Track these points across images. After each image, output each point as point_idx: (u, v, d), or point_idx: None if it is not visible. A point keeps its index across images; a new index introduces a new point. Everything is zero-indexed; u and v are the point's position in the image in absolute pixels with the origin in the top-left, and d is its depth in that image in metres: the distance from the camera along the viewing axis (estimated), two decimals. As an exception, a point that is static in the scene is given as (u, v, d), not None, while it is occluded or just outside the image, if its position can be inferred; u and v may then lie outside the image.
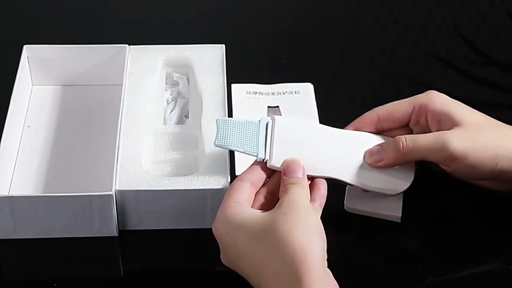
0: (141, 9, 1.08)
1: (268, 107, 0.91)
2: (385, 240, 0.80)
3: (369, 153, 0.77)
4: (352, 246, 0.78)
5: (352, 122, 0.80)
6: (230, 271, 0.77)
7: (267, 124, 0.76)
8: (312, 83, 0.92)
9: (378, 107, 0.80)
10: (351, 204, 0.80)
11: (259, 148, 0.75)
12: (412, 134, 0.79)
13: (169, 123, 0.86)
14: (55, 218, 0.77)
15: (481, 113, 0.78)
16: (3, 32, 1.04)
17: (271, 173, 0.75)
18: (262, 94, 0.92)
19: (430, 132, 0.77)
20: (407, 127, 0.80)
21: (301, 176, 0.73)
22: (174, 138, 0.84)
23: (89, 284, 0.76)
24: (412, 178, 0.77)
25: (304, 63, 1.00)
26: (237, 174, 0.82)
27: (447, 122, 0.76)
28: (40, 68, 0.90)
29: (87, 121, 0.88)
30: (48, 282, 0.76)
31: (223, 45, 0.91)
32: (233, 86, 0.93)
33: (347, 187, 0.80)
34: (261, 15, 1.08)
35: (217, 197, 0.77)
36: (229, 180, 0.77)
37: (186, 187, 0.77)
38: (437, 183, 0.82)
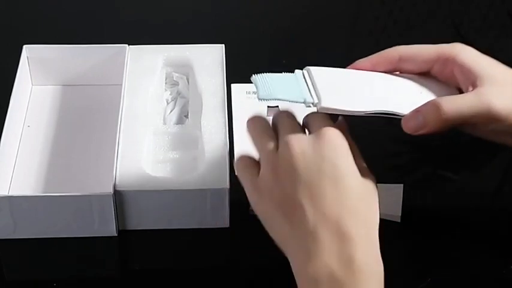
0: (141, 9, 1.08)
1: (268, 106, 0.91)
2: (385, 240, 0.80)
3: (406, 120, 0.69)
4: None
5: (370, 56, 0.75)
6: (230, 271, 0.77)
7: (303, 74, 0.72)
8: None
9: (400, 46, 0.74)
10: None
11: (304, 94, 0.69)
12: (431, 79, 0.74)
13: (169, 123, 0.86)
14: (55, 218, 0.77)
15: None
16: (3, 32, 1.04)
17: None
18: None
19: (456, 82, 0.72)
20: (427, 73, 0.74)
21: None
22: (174, 138, 0.84)
23: (89, 284, 0.76)
24: None
25: (304, 63, 0.99)
26: (237, 174, 0.82)
27: (478, 78, 0.70)
28: (40, 68, 0.90)
29: (87, 121, 0.88)
30: (48, 282, 0.76)
31: (223, 45, 0.91)
32: (233, 86, 0.93)
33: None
34: (261, 15, 1.08)
35: (217, 197, 0.77)
36: (229, 180, 0.77)
37: (186, 187, 0.77)
38: (437, 183, 0.82)
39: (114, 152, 0.79)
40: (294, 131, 0.67)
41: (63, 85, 0.92)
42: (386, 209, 0.79)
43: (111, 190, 0.76)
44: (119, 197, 0.77)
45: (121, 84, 0.86)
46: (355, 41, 1.06)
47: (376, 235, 0.64)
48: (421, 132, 0.68)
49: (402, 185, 0.81)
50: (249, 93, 0.92)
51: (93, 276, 0.77)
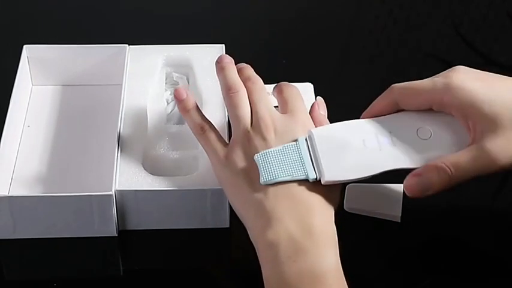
0: (141, 9, 1.08)
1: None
2: (385, 240, 0.80)
3: (408, 186, 0.71)
4: (352, 246, 0.78)
5: (369, 109, 0.76)
6: (230, 271, 0.77)
7: (306, 141, 0.72)
8: (312, 83, 0.92)
9: (396, 89, 0.75)
10: (351, 204, 0.80)
11: (307, 168, 0.71)
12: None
13: (169, 123, 0.86)
14: (55, 218, 0.77)
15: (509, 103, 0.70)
16: (3, 32, 1.04)
17: None
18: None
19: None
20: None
21: None
22: (174, 138, 0.84)
23: (89, 284, 0.76)
24: None
25: (304, 63, 1.00)
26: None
27: (477, 124, 0.69)
28: (40, 68, 0.90)
29: (87, 121, 0.88)
30: (48, 282, 0.76)
31: (223, 45, 0.91)
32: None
33: (347, 187, 0.80)
34: (261, 15, 1.08)
35: (217, 197, 0.77)
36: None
37: (186, 187, 0.77)
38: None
39: (114, 152, 0.79)
40: (268, 108, 0.75)
41: (63, 85, 0.92)
42: (387, 209, 0.79)
43: (111, 190, 0.76)
44: (119, 197, 0.77)
45: (121, 84, 0.86)
46: (355, 40, 1.06)
47: (332, 204, 0.70)
48: (427, 195, 0.70)
49: (402, 185, 0.81)
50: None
51: (93, 276, 0.77)
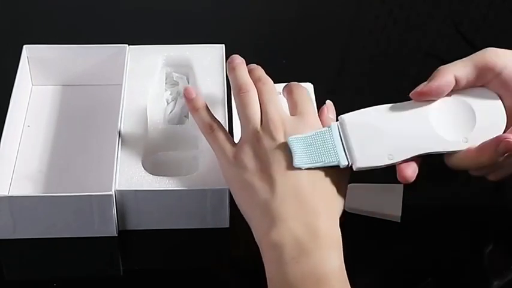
0: (141, 9, 1.08)
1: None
2: (385, 240, 0.80)
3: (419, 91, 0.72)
4: (352, 246, 0.78)
5: (426, 88, 0.73)
6: (230, 271, 0.77)
7: (338, 128, 0.73)
8: (312, 83, 0.92)
9: (452, 68, 0.74)
10: (351, 204, 0.80)
11: (339, 155, 0.71)
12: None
13: (169, 123, 0.86)
14: (55, 218, 0.77)
15: None
16: (3, 32, 1.04)
17: None
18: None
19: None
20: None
21: None
22: (174, 138, 0.84)
23: (89, 284, 0.76)
24: None
25: (304, 63, 1.00)
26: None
27: None
28: (40, 68, 0.90)
29: (87, 121, 0.88)
30: (48, 282, 0.76)
31: (223, 45, 0.91)
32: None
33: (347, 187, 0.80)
34: (261, 15, 1.08)
35: (217, 197, 0.77)
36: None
37: (186, 187, 0.77)
38: (437, 183, 0.82)
39: (114, 152, 0.79)
40: (278, 109, 0.75)
41: (63, 85, 0.92)
42: (386, 209, 0.79)
43: (111, 190, 0.76)
44: (119, 197, 0.77)
45: (121, 84, 0.86)
46: (355, 40, 1.06)
47: (338, 209, 0.71)
48: (429, 91, 0.72)
49: (402, 185, 0.81)
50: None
51: (93, 276, 0.77)
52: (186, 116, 0.87)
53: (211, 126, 0.76)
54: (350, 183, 0.80)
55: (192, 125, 0.85)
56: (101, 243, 0.78)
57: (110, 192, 0.76)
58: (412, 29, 1.06)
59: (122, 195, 0.77)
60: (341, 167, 0.71)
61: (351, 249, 0.77)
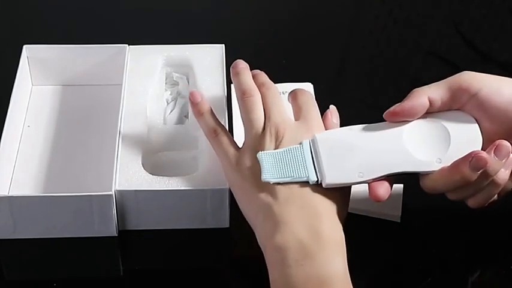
0: (141, 9, 1.08)
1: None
2: (385, 240, 0.80)
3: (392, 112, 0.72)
4: (352, 246, 0.78)
5: (399, 108, 0.72)
6: (230, 271, 0.77)
7: (309, 144, 0.72)
8: (312, 83, 0.92)
9: (426, 89, 0.73)
10: (351, 204, 0.80)
11: (308, 171, 0.71)
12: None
13: (169, 123, 0.86)
14: (55, 218, 0.77)
15: None
16: (3, 32, 1.04)
17: None
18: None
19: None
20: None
21: None
22: (174, 138, 0.84)
23: (89, 284, 0.76)
24: None
25: (304, 63, 1.00)
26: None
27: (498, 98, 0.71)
28: (40, 68, 0.90)
29: (87, 121, 0.88)
30: (48, 282, 0.76)
31: (223, 45, 0.91)
32: (233, 86, 0.92)
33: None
34: (261, 15, 1.08)
35: (217, 197, 0.77)
36: (229, 180, 0.77)
37: (186, 187, 0.77)
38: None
39: (114, 152, 0.79)
40: (281, 114, 0.75)
41: (63, 85, 0.92)
42: (386, 209, 0.79)
43: (111, 190, 0.76)
44: (119, 197, 0.77)
45: (121, 84, 0.86)
46: (355, 40, 1.06)
47: (341, 212, 0.71)
48: (403, 112, 0.72)
49: (402, 185, 0.81)
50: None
51: (93, 276, 0.77)
52: (186, 116, 0.87)
53: (215, 130, 0.76)
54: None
55: (192, 125, 0.85)
56: (101, 243, 0.78)
57: (110, 192, 0.76)
58: (412, 29, 1.06)
59: (122, 195, 0.77)
60: (310, 183, 0.70)
61: (351, 249, 0.77)
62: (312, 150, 0.72)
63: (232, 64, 0.80)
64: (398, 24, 1.07)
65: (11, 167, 0.83)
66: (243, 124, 0.76)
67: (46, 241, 0.78)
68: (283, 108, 0.76)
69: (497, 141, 0.69)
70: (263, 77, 0.79)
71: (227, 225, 0.79)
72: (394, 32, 1.06)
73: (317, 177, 0.70)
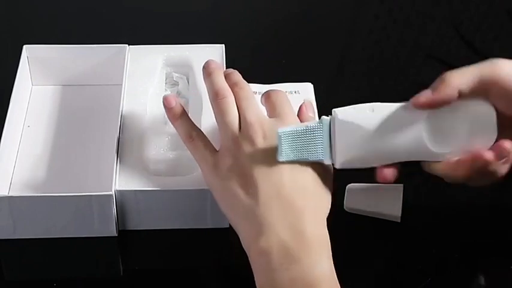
0: (141, 9, 1.08)
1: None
2: (385, 240, 0.80)
3: (415, 99, 0.71)
4: (352, 246, 0.78)
5: (427, 99, 0.71)
6: (230, 271, 0.77)
7: (329, 122, 0.72)
8: (312, 83, 0.92)
9: (457, 80, 0.72)
10: (351, 204, 0.80)
11: (324, 152, 0.71)
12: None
13: (169, 123, 0.86)
14: (55, 218, 0.77)
15: None
16: (3, 32, 1.04)
17: None
18: (262, 94, 0.92)
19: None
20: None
21: None
22: (174, 138, 0.84)
23: (88, 284, 0.76)
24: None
25: (304, 63, 1.00)
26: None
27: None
28: (40, 68, 0.90)
29: (87, 121, 0.88)
30: (48, 282, 0.76)
31: (223, 45, 0.91)
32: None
33: (347, 187, 0.80)
34: (261, 15, 1.08)
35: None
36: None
37: (186, 187, 0.77)
38: (437, 183, 0.82)
39: (114, 152, 0.79)
40: (256, 113, 0.74)
41: (63, 85, 0.92)
42: (386, 209, 0.79)
43: (111, 190, 0.76)
44: (119, 197, 0.77)
45: (121, 84, 0.86)
46: (355, 40, 1.06)
47: (323, 207, 0.70)
48: (432, 103, 0.70)
49: (402, 185, 0.81)
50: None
51: (93, 276, 0.77)
52: (186, 116, 0.87)
53: (191, 135, 0.76)
54: (350, 183, 0.80)
55: (192, 125, 0.85)
56: (101, 243, 0.78)
57: (110, 192, 0.76)
58: (412, 29, 1.06)
59: (122, 195, 0.77)
60: (325, 164, 0.71)
61: (350, 249, 0.77)
62: (331, 128, 0.72)
63: (204, 64, 0.79)
64: (398, 24, 1.07)
65: (11, 167, 0.82)
66: (218, 126, 0.75)
67: (46, 241, 0.78)
68: (257, 107, 0.75)
69: None
70: (236, 75, 0.78)
71: (227, 225, 0.79)
72: (394, 32, 1.06)
73: (331, 159, 0.71)
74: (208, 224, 0.79)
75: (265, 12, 1.08)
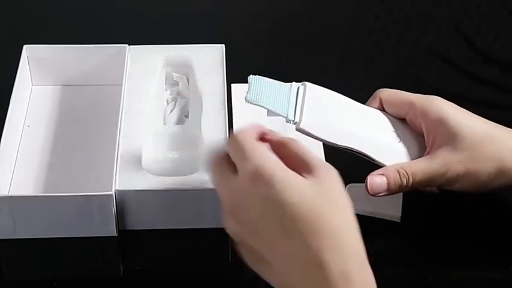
0: (142, 9, 1.08)
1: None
2: (385, 240, 0.80)
3: (370, 183, 0.75)
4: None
5: None
6: (230, 271, 0.77)
7: (298, 89, 0.75)
8: (312, 83, 0.92)
9: (382, 90, 0.80)
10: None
11: (289, 109, 0.74)
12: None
13: (169, 123, 0.86)
14: (55, 218, 0.77)
15: (485, 121, 0.76)
16: (3, 32, 1.04)
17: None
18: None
19: (423, 134, 0.77)
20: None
21: None
22: (174, 138, 0.84)
23: (88, 284, 0.76)
24: None
25: (304, 63, 1.00)
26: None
27: (442, 134, 0.75)
28: (40, 68, 0.90)
29: (87, 121, 0.88)
30: (48, 282, 0.76)
31: (223, 45, 0.91)
32: (233, 86, 0.92)
33: (347, 187, 0.80)
34: (261, 15, 1.08)
35: (217, 197, 0.77)
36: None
37: (186, 187, 0.77)
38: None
39: (114, 152, 0.79)
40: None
41: (63, 85, 0.92)
42: (387, 209, 0.79)
43: (111, 190, 0.76)
44: (119, 197, 0.77)
45: (121, 84, 0.86)
46: (355, 40, 1.06)
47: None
48: (382, 195, 0.75)
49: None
50: (249, 93, 0.92)
51: (93, 276, 0.77)
52: (186, 116, 0.87)
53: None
54: (350, 183, 0.80)
55: (192, 125, 0.85)
56: (101, 243, 0.78)
57: (110, 192, 0.76)
58: (412, 29, 1.06)
59: (122, 195, 0.77)
60: (286, 121, 0.73)
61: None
62: (299, 95, 0.75)
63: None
64: (399, 24, 1.07)
65: (11, 167, 0.83)
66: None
67: (46, 241, 0.78)
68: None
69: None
70: None
71: (227, 225, 0.79)
72: (394, 32, 1.06)
73: (294, 117, 0.73)
74: (208, 224, 0.79)
75: (265, 12, 1.08)
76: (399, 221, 0.79)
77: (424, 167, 0.75)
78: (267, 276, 0.62)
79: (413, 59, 1.02)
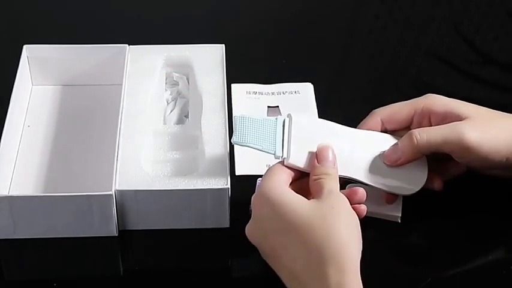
0: (142, 9, 1.08)
1: (268, 106, 0.91)
2: (385, 240, 0.80)
3: (385, 155, 0.76)
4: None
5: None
6: (230, 271, 0.77)
7: (283, 122, 0.75)
8: (312, 83, 0.92)
9: (378, 110, 0.79)
10: (351, 204, 0.80)
11: (276, 146, 0.74)
12: None
13: (169, 123, 0.86)
14: (55, 218, 0.77)
15: (485, 108, 0.78)
16: (3, 32, 1.04)
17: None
18: (262, 94, 0.92)
19: None
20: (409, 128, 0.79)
21: (333, 166, 0.73)
22: (174, 138, 0.84)
23: (89, 284, 0.76)
24: (426, 175, 0.77)
25: (304, 63, 1.00)
26: (237, 174, 0.82)
27: (454, 119, 0.76)
28: (40, 68, 0.90)
29: (87, 121, 0.88)
30: (48, 282, 0.76)
31: (223, 45, 0.91)
32: (233, 86, 0.93)
33: (347, 187, 0.80)
34: (261, 15, 1.08)
35: (217, 197, 0.77)
36: (229, 180, 0.77)
37: (186, 187, 0.77)
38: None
39: (114, 152, 0.79)
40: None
41: (63, 85, 0.92)
42: (386, 209, 0.79)
43: (111, 190, 0.76)
44: (119, 197, 0.77)
45: (121, 84, 0.86)
46: (355, 40, 1.06)
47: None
48: (399, 162, 0.76)
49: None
50: (249, 93, 0.92)
51: (93, 276, 0.77)
52: (186, 116, 0.87)
53: None
54: (350, 185, 0.80)
55: (192, 125, 0.85)
56: (101, 243, 0.78)
57: (110, 192, 0.76)
58: (412, 29, 1.06)
59: (122, 195, 0.77)
60: (275, 158, 0.73)
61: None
62: (285, 128, 0.75)
63: None
64: (399, 24, 1.07)
65: (11, 167, 0.83)
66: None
67: (46, 241, 0.78)
68: None
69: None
70: None
71: (227, 225, 0.79)
72: (394, 32, 1.06)
73: (282, 153, 0.73)
74: (208, 224, 0.79)
75: (265, 12, 1.08)
76: (399, 221, 0.79)
77: (439, 129, 0.75)
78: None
79: (413, 59, 1.02)
